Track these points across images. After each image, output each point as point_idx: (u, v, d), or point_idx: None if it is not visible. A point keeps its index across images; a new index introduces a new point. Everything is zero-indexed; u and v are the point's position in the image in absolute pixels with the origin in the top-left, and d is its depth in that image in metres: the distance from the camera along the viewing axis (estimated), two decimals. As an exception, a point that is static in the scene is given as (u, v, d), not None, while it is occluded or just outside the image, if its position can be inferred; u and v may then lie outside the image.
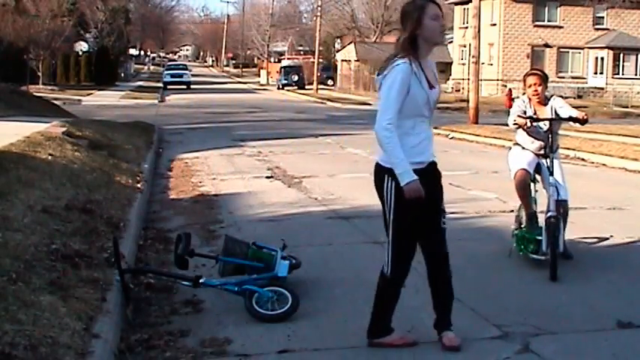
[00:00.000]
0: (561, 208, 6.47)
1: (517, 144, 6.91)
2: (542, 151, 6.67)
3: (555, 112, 6.64)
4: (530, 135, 6.70)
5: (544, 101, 6.68)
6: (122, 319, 4.83)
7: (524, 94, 6.87)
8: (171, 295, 5.48)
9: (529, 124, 6.52)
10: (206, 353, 4.44)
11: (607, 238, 7.65)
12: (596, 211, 9.21)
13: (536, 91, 6.62)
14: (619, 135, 18.44)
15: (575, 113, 6.54)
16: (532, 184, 6.70)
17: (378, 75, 4.35)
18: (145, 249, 6.99)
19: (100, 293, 4.85)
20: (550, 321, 5.05)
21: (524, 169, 6.69)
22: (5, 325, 3.92)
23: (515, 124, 6.62)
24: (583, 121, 6.49)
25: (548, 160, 6.56)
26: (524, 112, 6.62)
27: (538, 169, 6.71)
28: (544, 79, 6.70)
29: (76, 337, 4.04)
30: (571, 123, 6.64)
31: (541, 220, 6.50)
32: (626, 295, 5.74)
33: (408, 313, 5.19)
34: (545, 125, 6.63)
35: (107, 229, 6.64)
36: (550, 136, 6.62)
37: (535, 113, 6.62)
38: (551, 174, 6.48)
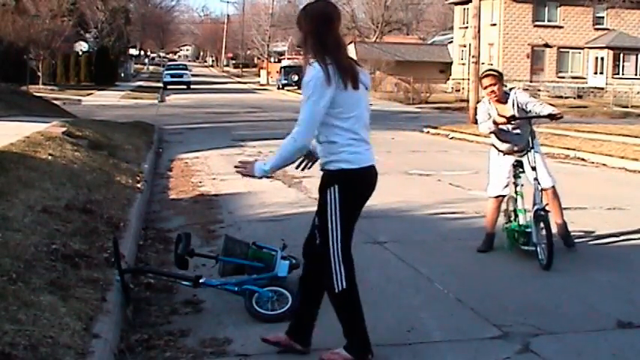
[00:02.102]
0: (550, 195, 6.82)
1: (494, 146, 7.08)
2: (515, 149, 6.86)
3: (521, 108, 6.69)
4: (500, 138, 6.88)
5: (502, 98, 6.77)
6: (122, 319, 4.83)
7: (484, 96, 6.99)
8: (171, 295, 5.48)
9: (507, 122, 6.64)
10: (206, 353, 4.43)
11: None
12: (596, 211, 9.21)
13: (493, 91, 6.72)
14: (619, 135, 18.43)
15: (548, 109, 6.61)
16: (516, 180, 6.87)
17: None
18: (145, 249, 6.99)
19: (100, 293, 4.85)
20: (550, 321, 5.05)
21: (497, 197, 7.00)
22: (5, 325, 3.91)
23: (493, 128, 6.71)
24: (558, 117, 6.60)
25: (529, 155, 6.69)
26: (489, 115, 6.74)
27: (520, 165, 6.83)
28: (499, 78, 6.79)
29: (76, 337, 4.04)
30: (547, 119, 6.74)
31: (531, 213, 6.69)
32: (626, 295, 5.74)
33: (408, 313, 5.20)
34: (510, 126, 6.73)
35: (107, 229, 6.64)
36: (525, 134, 6.74)
37: (497, 113, 6.72)
38: (534, 169, 6.65)
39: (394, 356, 4.44)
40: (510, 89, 6.96)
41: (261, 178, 4.14)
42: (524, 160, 6.79)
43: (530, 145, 6.72)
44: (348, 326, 4.26)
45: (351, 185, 4.11)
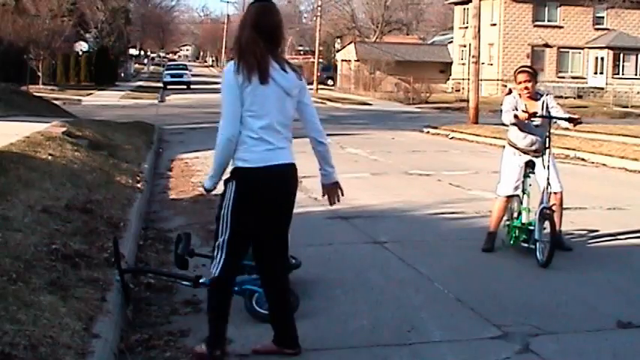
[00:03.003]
0: (557, 200, 6.89)
1: (510, 143, 7.13)
2: (533, 147, 6.94)
3: (547, 110, 6.91)
4: (522, 130, 6.95)
5: (535, 97, 6.96)
6: (122, 319, 4.83)
7: (509, 93, 7.15)
8: (171, 295, 5.47)
9: (528, 119, 6.77)
10: (206, 353, 4.43)
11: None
12: (596, 211, 9.21)
13: (526, 87, 6.90)
14: (619, 135, 18.45)
15: (568, 114, 6.89)
16: (524, 179, 7.02)
17: (299, 79, 4.24)
18: (145, 249, 6.98)
19: (100, 293, 4.85)
20: (550, 321, 5.05)
21: (508, 196, 7.05)
22: (5, 325, 3.91)
23: (514, 120, 6.80)
24: (578, 122, 6.84)
25: (545, 158, 6.83)
26: (516, 108, 6.86)
27: (532, 165, 6.97)
28: (534, 75, 6.99)
29: (76, 337, 4.04)
30: (565, 123, 6.90)
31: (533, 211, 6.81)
32: (626, 295, 5.74)
33: (408, 313, 5.20)
34: (537, 120, 6.87)
35: (107, 229, 6.63)
36: (548, 133, 6.88)
37: (526, 108, 6.87)
38: (547, 168, 6.79)
39: (394, 356, 4.44)
40: (547, 93, 7.14)
41: (210, 190, 4.27)
42: (538, 160, 6.90)
43: (547, 146, 6.84)
44: (208, 316, 4.32)
45: (245, 184, 4.12)
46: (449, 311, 5.28)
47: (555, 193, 6.88)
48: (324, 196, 4.45)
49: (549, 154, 6.83)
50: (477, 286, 5.91)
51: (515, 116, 6.74)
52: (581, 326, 5.01)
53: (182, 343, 4.56)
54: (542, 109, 6.89)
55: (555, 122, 6.96)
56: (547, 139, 6.84)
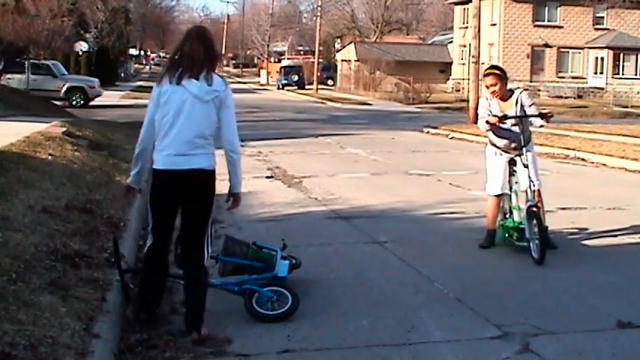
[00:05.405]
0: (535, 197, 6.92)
1: (491, 143, 7.18)
2: (513, 145, 6.97)
3: (522, 107, 6.90)
4: (497, 135, 6.99)
5: (505, 96, 6.94)
6: (122, 319, 4.83)
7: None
8: (171, 295, 5.48)
9: (499, 122, 6.78)
10: (206, 353, 4.43)
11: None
12: (596, 211, 9.21)
13: (494, 92, 6.90)
14: (619, 135, 18.44)
15: (537, 111, 6.92)
16: (510, 178, 7.08)
17: (208, 85, 4.59)
18: (145, 249, 6.97)
19: (100, 293, 4.86)
20: (550, 321, 5.05)
21: (497, 195, 7.09)
22: (5, 325, 3.92)
23: (488, 127, 6.86)
24: (549, 117, 6.84)
25: (523, 157, 6.88)
26: (490, 111, 6.88)
27: (514, 163, 7.03)
28: (501, 76, 6.90)
29: (76, 337, 4.04)
30: (539, 120, 6.88)
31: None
32: (626, 295, 5.74)
33: (408, 313, 5.20)
34: (510, 122, 6.86)
35: (107, 229, 6.64)
36: (522, 132, 6.91)
37: (500, 107, 6.91)
38: (526, 166, 6.84)
39: (394, 356, 4.44)
40: (516, 88, 7.17)
41: (135, 188, 5.09)
42: (518, 158, 6.94)
43: (523, 144, 6.89)
44: (139, 287, 5.00)
45: (153, 182, 4.72)
46: (449, 311, 5.28)
47: (532, 190, 6.89)
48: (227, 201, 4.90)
49: (527, 151, 6.88)
50: (477, 286, 5.91)
51: (488, 122, 6.80)
52: (581, 326, 5.01)
53: (182, 343, 4.57)
54: (517, 105, 6.89)
55: (531, 122, 6.97)
56: (522, 137, 6.87)
